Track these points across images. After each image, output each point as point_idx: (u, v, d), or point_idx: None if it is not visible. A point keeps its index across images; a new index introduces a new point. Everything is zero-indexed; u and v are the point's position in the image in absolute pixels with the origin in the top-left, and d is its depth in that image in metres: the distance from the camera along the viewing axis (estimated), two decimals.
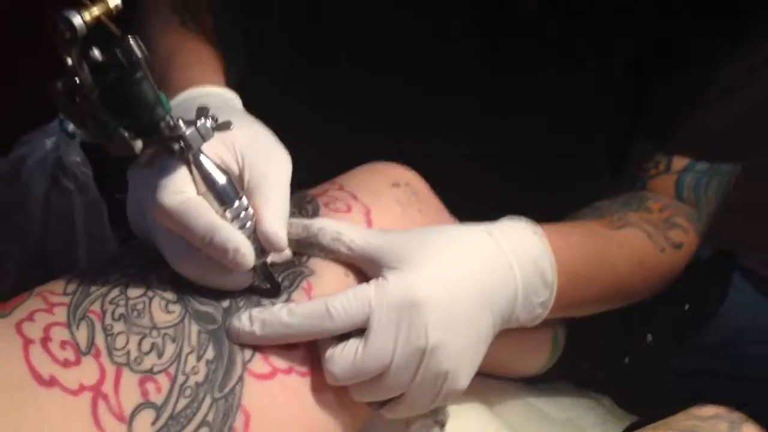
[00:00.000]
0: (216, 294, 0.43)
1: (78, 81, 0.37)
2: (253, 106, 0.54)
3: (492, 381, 0.64)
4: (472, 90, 0.64)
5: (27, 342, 0.38)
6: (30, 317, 0.40)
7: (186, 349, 0.40)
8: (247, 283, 0.44)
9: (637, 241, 0.58)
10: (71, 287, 0.42)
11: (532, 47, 0.62)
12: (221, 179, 0.43)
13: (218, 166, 0.43)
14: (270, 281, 0.45)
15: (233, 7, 0.64)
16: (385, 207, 0.51)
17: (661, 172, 0.63)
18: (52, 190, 0.49)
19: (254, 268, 0.43)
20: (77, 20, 0.36)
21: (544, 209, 0.57)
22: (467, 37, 0.62)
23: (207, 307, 0.42)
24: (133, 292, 0.42)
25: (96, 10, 0.37)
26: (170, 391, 0.39)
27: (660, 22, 0.60)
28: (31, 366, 0.37)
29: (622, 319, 0.75)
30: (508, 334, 0.53)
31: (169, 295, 0.42)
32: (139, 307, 0.41)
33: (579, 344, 0.71)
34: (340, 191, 0.51)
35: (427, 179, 0.57)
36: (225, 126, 0.45)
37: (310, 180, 0.55)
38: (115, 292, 0.42)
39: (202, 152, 0.42)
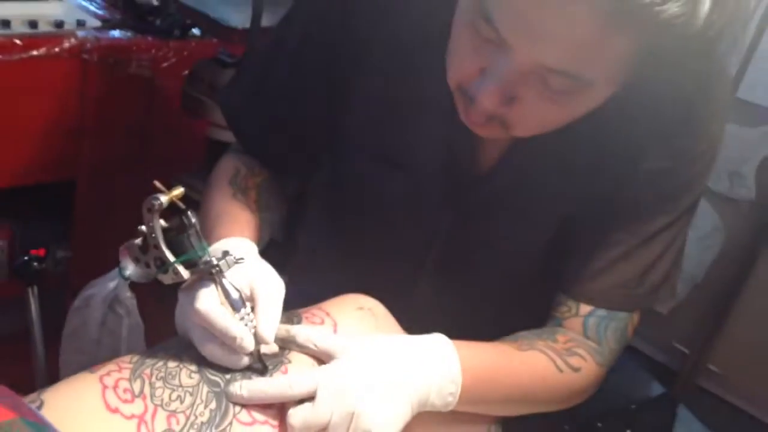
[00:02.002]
0: (224, 369, 0.66)
1: (153, 236, 0.64)
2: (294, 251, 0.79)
3: None
4: (445, 239, 0.86)
5: (104, 388, 0.62)
6: (107, 374, 0.64)
7: (198, 401, 0.63)
8: (246, 364, 0.66)
9: (539, 360, 0.76)
10: (134, 359, 0.66)
11: (489, 204, 0.81)
12: (235, 294, 0.67)
13: (234, 286, 0.67)
14: (261, 363, 0.67)
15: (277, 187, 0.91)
16: (348, 322, 0.74)
17: (571, 315, 0.81)
18: (108, 315, 0.71)
19: (251, 354, 0.66)
20: (164, 198, 0.64)
21: (501, 323, 0.77)
22: (440, 208, 0.84)
23: (216, 377, 0.66)
24: (171, 363, 0.65)
25: (172, 194, 0.64)
26: (185, 424, 0.61)
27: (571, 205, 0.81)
28: (105, 401, 0.61)
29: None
30: (441, 425, 0.73)
31: (193, 368, 0.66)
32: (173, 373, 0.65)
33: None
34: (318, 310, 0.75)
35: (412, 303, 0.79)
36: (240, 261, 0.69)
37: (321, 297, 0.78)
38: (160, 363, 0.66)
39: (225, 277, 0.67)
